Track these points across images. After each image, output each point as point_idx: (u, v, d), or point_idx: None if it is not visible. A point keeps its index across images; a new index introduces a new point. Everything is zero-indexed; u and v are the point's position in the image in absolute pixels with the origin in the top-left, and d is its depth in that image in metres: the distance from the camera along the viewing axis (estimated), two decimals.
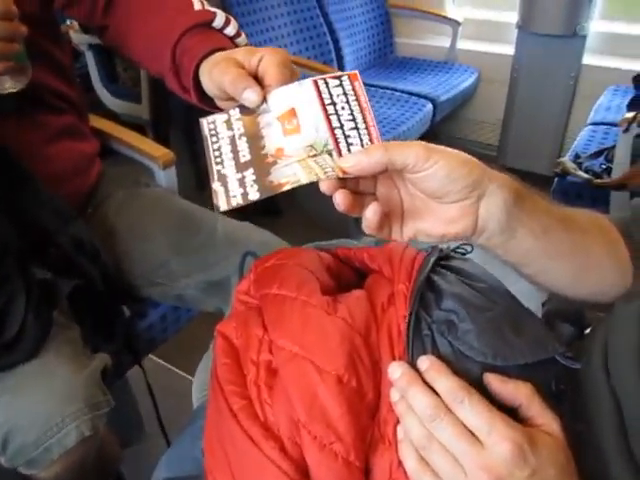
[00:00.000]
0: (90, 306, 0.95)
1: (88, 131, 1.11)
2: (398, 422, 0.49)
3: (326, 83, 0.53)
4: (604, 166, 1.63)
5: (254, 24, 2.13)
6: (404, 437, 0.47)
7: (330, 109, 0.51)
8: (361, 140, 0.49)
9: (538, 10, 2.40)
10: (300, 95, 0.53)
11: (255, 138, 0.52)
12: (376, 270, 0.65)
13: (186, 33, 0.73)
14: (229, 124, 0.55)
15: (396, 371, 0.48)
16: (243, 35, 0.78)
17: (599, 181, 1.50)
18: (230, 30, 0.76)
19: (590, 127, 2.02)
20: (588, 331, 0.61)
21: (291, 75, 0.59)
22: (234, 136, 0.53)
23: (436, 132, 2.77)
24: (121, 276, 1.04)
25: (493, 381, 0.48)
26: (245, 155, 0.51)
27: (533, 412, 0.46)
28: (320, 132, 0.50)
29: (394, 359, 0.52)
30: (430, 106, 2.36)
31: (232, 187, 0.49)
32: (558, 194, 1.63)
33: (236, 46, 0.75)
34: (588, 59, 2.51)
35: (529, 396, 0.47)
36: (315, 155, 0.49)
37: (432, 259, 0.60)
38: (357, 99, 0.51)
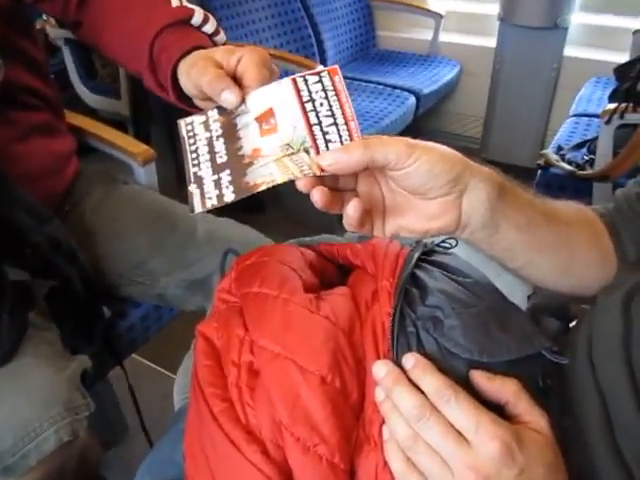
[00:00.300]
0: (68, 307, 0.93)
1: (64, 128, 1.08)
2: (383, 422, 0.47)
3: (305, 80, 0.51)
4: (587, 157, 1.63)
5: (234, 17, 2.10)
6: (390, 437, 0.46)
7: (308, 106, 0.50)
8: (340, 136, 0.48)
9: (519, 2, 2.40)
10: (278, 94, 0.52)
11: (232, 139, 0.51)
12: (359, 266, 0.64)
13: (163, 30, 0.71)
14: (207, 125, 0.54)
15: (381, 370, 0.47)
16: (222, 33, 0.76)
17: (582, 173, 1.51)
18: (209, 28, 0.74)
19: (572, 119, 2.03)
20: (573, 324, 0.60)
21: (270, 74, 0.58)
22: (212, 137, 0.52)
23: (419, 126, 2.76)
24: (100, 276, 1.02)
25: (479, 378, 0.47)
26: (222, 156, 0.50)
27: (520, 409, 0.46)
28: (297, 130, 0.49)
29: (379, 357, 0.51)
30: (413, 99, 2.35)
31: (208, 189, 0.48)
32: (541, 186, 1.63)
33: (215, 44, 0.73)
34: (570, 51, 2.52)
35: (516, 393, 0.46)
36: (292, 154, 0.48)
37: (416, 254, 0.59)
38: (337, 94, 0.50)
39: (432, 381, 0.45)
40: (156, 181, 1.23)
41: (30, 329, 0.80)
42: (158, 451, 0.64)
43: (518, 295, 0.71)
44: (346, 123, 0.48)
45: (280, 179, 0.46)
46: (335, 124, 0.48)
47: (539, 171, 1.65)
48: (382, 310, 0.54)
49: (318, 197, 0.46)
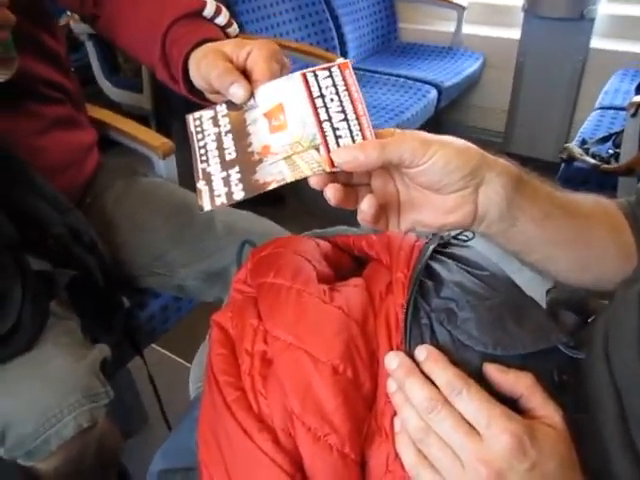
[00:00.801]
0: (89, 297, 0.94)
1: (85, 121, 1.09)
2: (395, 414, 0.47)
3: (315, 75, 0.51)
4: (612, 151, 1.59)
5: (254, 11, 2.10)
6: (401, 429, 0.46)
7: (318, 102, 0.49)
8: (351, 132, 0.47)
9: None
10: (288, 90, 0.51)
11: (241, 135, 0.51)
12: (375, 258, 0.64)
13: (175, 23, 0.71)
14: (215, 120, 0.53)
15: (393, 361, 0.47)
16: (235, 25, 0.76)
17: (606, 166, 1.47)
18: (221, 19, 0.74)
19: (598, 112, 1.98)
20: (591, 319, 0.59)
21: (281, 69, 0.58)
22: (220, 133, 0.52)
23: (441, 119, 2.74)
24: (120, 267, 1.04)
25: (493, 371, 0.46)
26: (231, 153, 0.50)
27: (534, 403, 0.45)
28: (307, 127, 0.48)
29: (392, 349, 0.51)
30: (435, 92, 2.32)
31: (217, 186, 0.48)
32: (564, 180, 1.60)
33: (227, 36, 0.74)
34: (596, 42, 2.47)
35: (530, 387, 0.45)
36: (302, 151, 0.47)
37: (431, 247, 0.59)
38: (347, 89, 0.50)
39: (444, 373, 0.45)
40: (176, 174, 1.24)
41: (51, 318, 0.82)
42: (174, 438, 0.65)
43: (537, 290, 0.70)
44: (357, 119, 0.48)
45: (290, 178, 0.46)
46: (346, 120, 0.48)
47: (562, 165, 1.62)
48: (396, 302, 0.54)
49: (331, 194, 0.46)
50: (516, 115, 2.66)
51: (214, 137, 0.52)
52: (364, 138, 0.47)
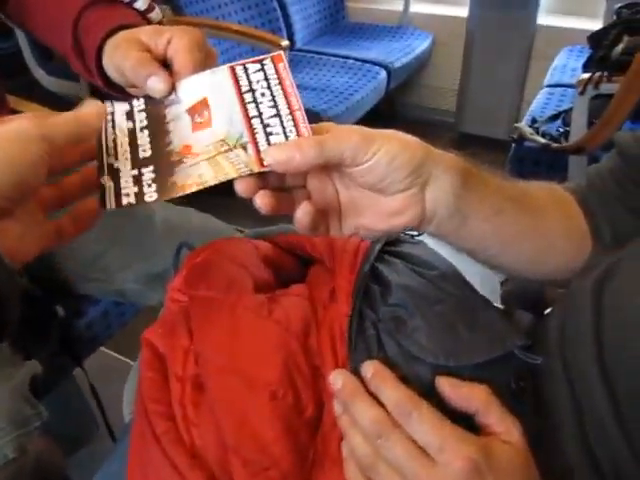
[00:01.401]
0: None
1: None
2: (343, 437, 0.43)
3: (245, 69, 0.46)
4: (561, 130, 1.59)
5: None
6: (349, 455, 0.42)
7: (247, 97, 0.44)
8: (284, 128, 0.42)
9: None
10: (214, 84, 0.46)
11: (160, 133, 0.45)
12: (319, 259, 0.59)
13: (88, 8, 0.63)
14: (130, 115, 0.47)
15: (337, 381, 0.42)
16: (157, 9, 0.69)
17: (556, 145, 1.47)
18: (140, 4, 0.66)
19: (546, 90, 1.98)
20: (547, 313, 0.57)
21: (206, 59, 0.53)
22: (134, 129, 0.46)
23: (392, 100, 2.70)
24: (52, 274, 0.96)
25: (445, 386, 0.42)
26: (145, 150, 0.44)
27: (491, 419, 0.41)
28: (234, 124, 0.43)
29: (337, 364, 0.47)
30: (384, 73, 2.28)
31: (125, 184, 0.42)
32: (515, 161, 1.59)
33: (149, 22, 0.66)
34: (543, 19, 2.46)
35: (485, 401, 0.42)
36: (228, 150, 0.42)
37: (377, 247, 0.55)
38: (281, 83, 0.45)
39: (393, 393, 0.41)
40: None
41: None
42: (108, 465, 0.59)
43: (490, 282, 0.67)
44: (291, 113, 0.43)
45: (212, 180, 0.41)
46: (278, 115, 0.43)
47: (513, 145, 1.61)
48: (340, 311, 0.49)
49: (261, 202, 0.40)
50: (467, 94, 2.65)
51: (127, 132, 0.46)
52: (299, 135, 0.42)
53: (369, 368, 0.43)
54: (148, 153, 0.44)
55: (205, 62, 0.52)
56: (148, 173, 0.42)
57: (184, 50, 0.51)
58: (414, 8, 2.72)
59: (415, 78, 2.77)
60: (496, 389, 0.43)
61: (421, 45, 2.57)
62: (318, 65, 2.31)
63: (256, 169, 0.41)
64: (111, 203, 0.41)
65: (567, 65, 2.18)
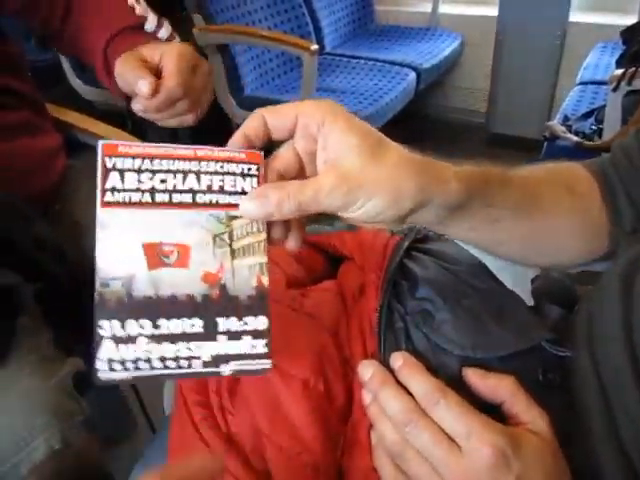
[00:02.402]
0: (60, 307, 0.90)
1: (48, 125, 1.05)
2: (372, 426, 0.44)
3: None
4: (594, 127, 1.57)
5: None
6: (377, 442, 0.43)
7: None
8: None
9: None
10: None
11: None
12: (348, 257, 0.60)
13: (115, 37, 0.73)
14: None
15: (367, 371, 0.44)
16: (177, 38, 0.77)
17: (590, 143, 1.45)
18: (163, 33, 0.75)
19: (579, 87, 1.96)
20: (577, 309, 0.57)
21: (193, 68, 0.64)
22: None
23: (421, 101, 2.70)
24: (91, 274, 1.00)
25: (472, 377, 0.43)
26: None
27: (517, 409, 0.42)
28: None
29: (366, 356, 0.48)
30: (413, 75, 2.28)
31: None
32: (548, 159, 1.57)
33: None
34: (575, 16, 2.43)
35: (512, 392, 0.43)
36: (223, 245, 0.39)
37: (405, 243, 0.56)
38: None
39: (421, 382, 0.42)
40: None
41: (18, 335, 0.78)
42: (147, 458, 0.62)
43: (521, 279, 0.67)
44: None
45: (264, 262, 0.39)
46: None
47: (545, 143, 1.60)
48: (369, 305, 0.51)
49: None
50: (497, 94, 2.63)
51: None
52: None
53: (398, 359, 0.44)
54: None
55: (195, 71, 0.65)
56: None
57: (171, 60, 0.63)
58: (443, 9, 2.71)
59: (445, 79, 2.77)
60: (523, 381, 0.44)
61: (450, 46, 2.56)
62: (347, 68, 2.32)
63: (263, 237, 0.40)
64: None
65: (600, 62, 2.15)
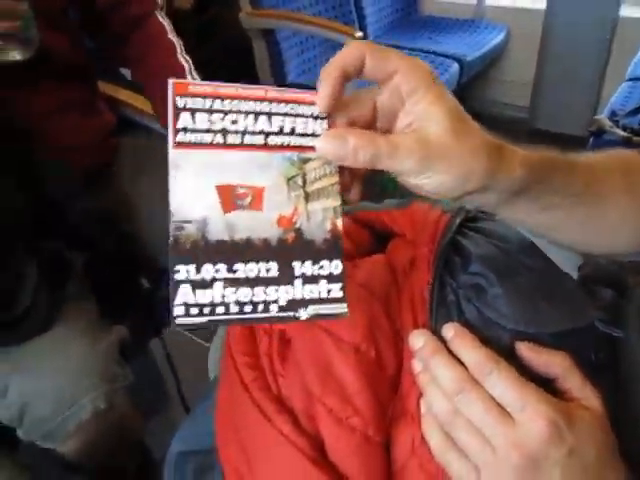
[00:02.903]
0: (106, 278, 0.93)
1: (103, 105, 1.09)
2: (421, 395, 0.45)
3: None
4: None
5: None
6: (427, 411, 0.43)
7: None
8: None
9: None
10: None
11: None
12: (398, 233, 0.61)
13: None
14: None
15: (418, 340, 0.44)
16: None
17: (638, 138, 1.41)
18: None
19: (628, 83, 1.91)
20: (625, 300, 0.56)
21: None
22: None
23: (464, 94, 2.66)
24: (140, 247, 1.02)
25: (526, 350, 0.43)
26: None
27: (570, 385, 0.42)
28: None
29: (417, 327, 0.48)
30: (456, 66, 2.26)
31: None
32: None
33: None
34: (626, 11, 2.37)
35: (566, 367, 0.42)
36: (298, 187, 0.39)
37: (457, 220, 0.56)
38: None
39: (473, 353, 0.42)
40: None
41: (68, 299, 0.81)
42: (192, 420, 0.63)
43: (568, 265, 0.67)
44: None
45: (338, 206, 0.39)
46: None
47: (591, 138, 1.56)
48: (421, 278, 0.51)
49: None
50: (541, 89, 2.58)
51: None
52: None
53: (450, 329, 0.44)
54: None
55: None
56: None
57: None
58: (489, 1, 2.67)
59: (488, 72, 2.73)
60: (576, 359, 0.43)
61: (495, 38, 2.52)
62: None
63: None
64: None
65: None
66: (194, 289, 0.36)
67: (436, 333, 0.45)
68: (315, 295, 0.38)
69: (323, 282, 0.39)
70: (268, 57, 2.00)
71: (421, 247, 0.53)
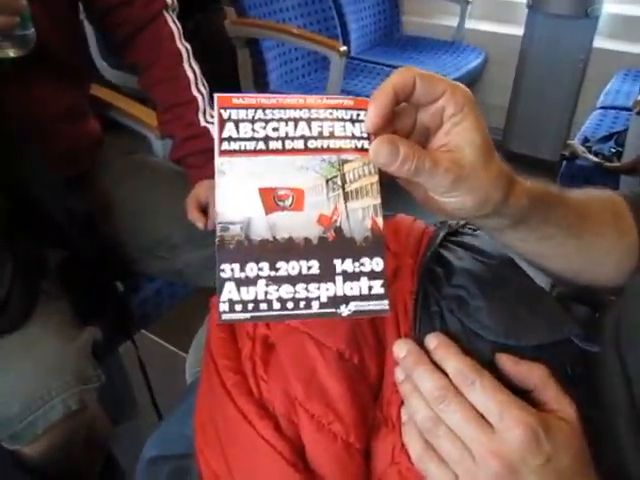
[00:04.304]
0: (81, 278, 0.91)
1: (91, 111, 1.07)
2: (402, 404, 0.45)
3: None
4: (614, 150, 1.59)
5: None
6: (408, 420, 0.44)
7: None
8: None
9: None
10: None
11: None
12: None
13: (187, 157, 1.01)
14: None
15: (402, 349, 0.45)
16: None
17: (610, 165, 1.46)
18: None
19: (599, 111, 1.98)
20: (600, 311, 0.58)
21: None
22: None
23: None
24: (119, 248, 1.01)
25: (506, 361, 0.44)
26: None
27: (548, 396, 0.43)
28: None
29: (399, 336, 0.49)
30: None
31: None
32: (566, 178, 1.59)
33: None
34: (599, 42, 2.45)
35: (544, 379, 0.43)
36: (338, 187, 0.40)
37: (442, 233, 0.57)
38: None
39: (456, 363, 0.43)
40: None
41: (42, 297, 0.79)
42: (167, 425, 0.62)
43: (542, 280, 0.68)
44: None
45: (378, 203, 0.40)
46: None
47: (564, 162, 1.61)
48: (404, 288, 0.52)
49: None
50: (516, 113, 2.65)
51: None
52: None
53: (433, 339, 0.45)
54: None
55: None
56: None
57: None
58: (469, 25, 2.73)
59: None
60: (553, 372, 0.45)
61: (474, 61, 2.58)
62: (372, 74, 2.34)
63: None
64: None
65: (621, 88, 2.16)
66: (238, 286, 0.37)
67: (419, 342, 0.46)
68: (356, 292, 0.39)
69: (364, 279, 0.39)
70: (251, 66, 2.01)
71: (405, 258, 0.54)
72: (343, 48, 1.76)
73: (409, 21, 2.88)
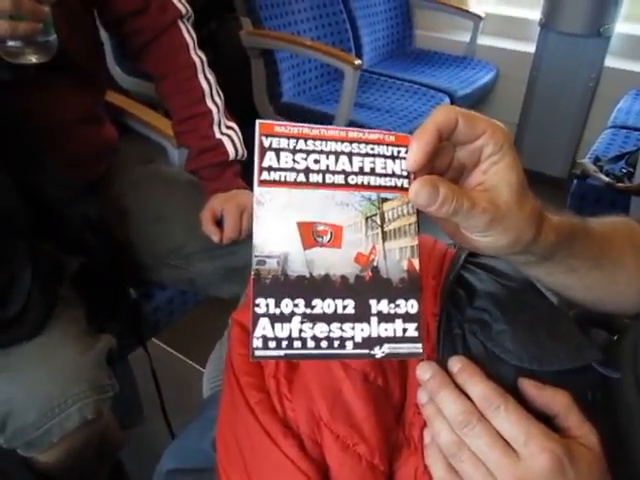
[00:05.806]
0: (95, 285, 0.92)
1: (107, 117, 1.08)
2: (425, 425, 0.45)
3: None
4: (625, 170, 1.59)
5: (274, 6, 2.08)
6: (431, 443, 0.44)
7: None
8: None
9: (563, 9, 2.35)
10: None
11: None
12: None
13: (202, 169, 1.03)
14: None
15: (425, 372, 0.45)
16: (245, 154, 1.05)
17: (622, 185, 1.47)
18: (240, 156, 1.04)
19: (610, 130, 1.98)
20: (617, 337, 0.58)
21: (241, 212, 0.97)
22: None
23: None
24: (133, 256, 1.02)
25: (529, 387, 0.44)
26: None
27: (570, 423, 0.43)
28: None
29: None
30: (447, 100, 2.31)
31: None
32: (576, 197, 1.60)
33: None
34: (610, 61, 2.46)
35: (567, 405, 0.44)
36: (377, 226, 0.40)
37: (463, 255, 0.57)
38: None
39: (481, 387, 0.43)
40: None
41: (59, 305, 0.80)
42: (184, 438, 0.63)
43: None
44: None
45: (415, 244, 0.40)
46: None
47: (575, 181, 1.61)
48: (426, 310, 0.52)
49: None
50: (526, 129, 2.65)
51: None
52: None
53: (456, 363, 0.45)
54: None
55: (247, 219, 0.97)
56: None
57: (230, 217, 0.97)
58: (481, 40, 2.75)
59: (476, 109, 2.76)
60: (575, 398, 0.45)
61: (485, 76, 2.59)
62: (384, 87, 2.35)
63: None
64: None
65: (632, 108, 2.17)
66: (273, 323, 0.36)
67: (442, 365, 0.46)
68: (390, 334, 0.39)
69: (399, 321, 0.39)
70: (265, 76, 2.02)
71: (427, 279, 0.55)
72: (358, 62, 1.77)
73: (421, 35, 2.89)
